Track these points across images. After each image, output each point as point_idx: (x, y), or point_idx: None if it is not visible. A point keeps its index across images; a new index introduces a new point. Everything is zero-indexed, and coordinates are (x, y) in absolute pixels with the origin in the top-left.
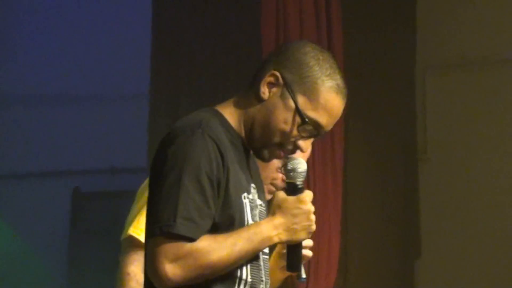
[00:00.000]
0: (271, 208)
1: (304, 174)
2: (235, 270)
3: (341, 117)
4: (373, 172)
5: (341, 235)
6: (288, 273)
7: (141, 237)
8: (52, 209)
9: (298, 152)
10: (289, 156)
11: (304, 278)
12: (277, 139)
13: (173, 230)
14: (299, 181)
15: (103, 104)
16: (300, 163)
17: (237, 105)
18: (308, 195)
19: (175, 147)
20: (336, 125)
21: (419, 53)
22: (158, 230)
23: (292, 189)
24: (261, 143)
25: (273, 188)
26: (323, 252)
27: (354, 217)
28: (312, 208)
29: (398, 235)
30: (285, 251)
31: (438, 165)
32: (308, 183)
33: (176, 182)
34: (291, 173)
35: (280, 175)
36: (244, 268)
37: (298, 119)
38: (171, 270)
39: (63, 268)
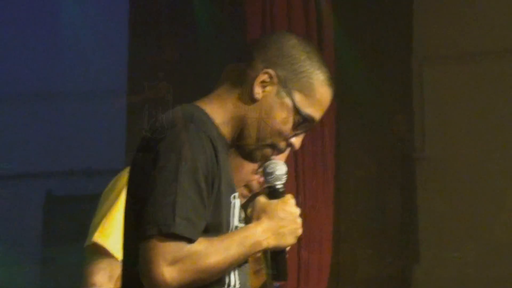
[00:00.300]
0: (254, 213)
1: (285, 176)
2: (224, 276)
3: (332, 115)
4: (367, 173)
5: (333, 240)
6: (263, 279)
7: (107, 244)
8: (24, 213)
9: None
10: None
11: (278, 286)
12: (272, 139)
13: (173, 230)
14: (280, 184)
15: (78, 103)
16: (279, 165)
17: (222, 104)
18: (291, 197)
19: (167, 142)
20: (326, 123)
21: (415, 45)
22: (155, 230)
23: (273, 193)
24: (255, 144)
25: (246, 192)
26: (314, 257)
27: (347, 222)
28: (298, 210)
29: (395, 240)
30: (259, 255)
31: (436, 163)
32: (297, 186)
33: (172, 179)
34: (271, 177)
35: (256, 177)
36: (232, 274)
37: (296, 118)
38: (169, 273)
39: (36, 275)
